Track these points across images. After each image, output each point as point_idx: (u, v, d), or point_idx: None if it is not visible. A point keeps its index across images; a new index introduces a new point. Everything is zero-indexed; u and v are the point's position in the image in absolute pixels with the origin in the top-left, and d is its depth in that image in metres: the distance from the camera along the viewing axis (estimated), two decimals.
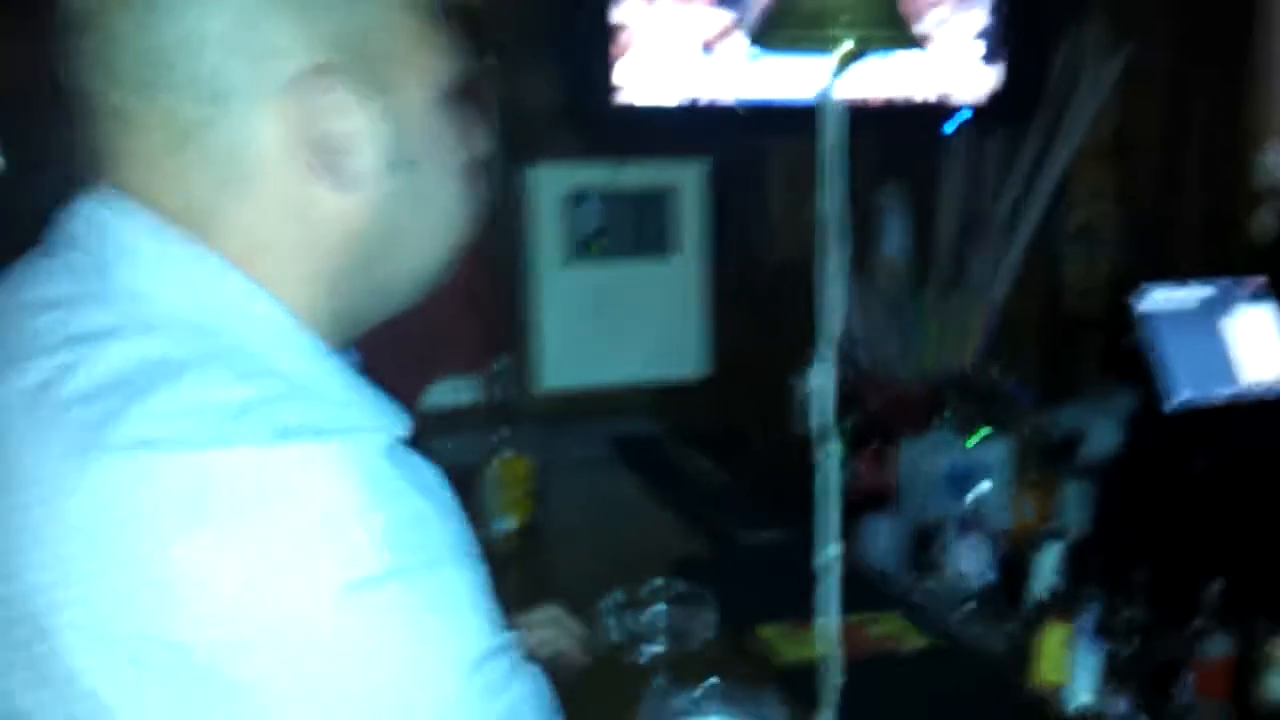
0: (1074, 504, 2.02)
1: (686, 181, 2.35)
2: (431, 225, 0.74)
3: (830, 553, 1.24)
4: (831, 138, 1.24)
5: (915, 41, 1.21)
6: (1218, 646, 1.25)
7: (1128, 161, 2.65)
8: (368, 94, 0.67)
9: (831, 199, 1.24)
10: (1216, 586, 1.28)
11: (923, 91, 2.34)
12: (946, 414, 2.19)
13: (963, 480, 2.06)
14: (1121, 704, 1.30)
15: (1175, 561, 1.58)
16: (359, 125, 0.67)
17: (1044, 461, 2.13)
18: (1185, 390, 2.33)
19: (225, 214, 0.66)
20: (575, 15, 2.10)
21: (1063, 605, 1.36)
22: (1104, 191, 2.61)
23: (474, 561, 0.65)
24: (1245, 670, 1.26)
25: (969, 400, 2.19)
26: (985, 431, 2.11)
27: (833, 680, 1.20)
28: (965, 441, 2.09)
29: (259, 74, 0.64)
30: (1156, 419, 2.32)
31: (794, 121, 2.24)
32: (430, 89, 0.71)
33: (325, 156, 0.66)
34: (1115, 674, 1.32)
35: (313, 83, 0.65)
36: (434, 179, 0.73)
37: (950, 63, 2.35)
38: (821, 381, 1.33)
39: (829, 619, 1.21)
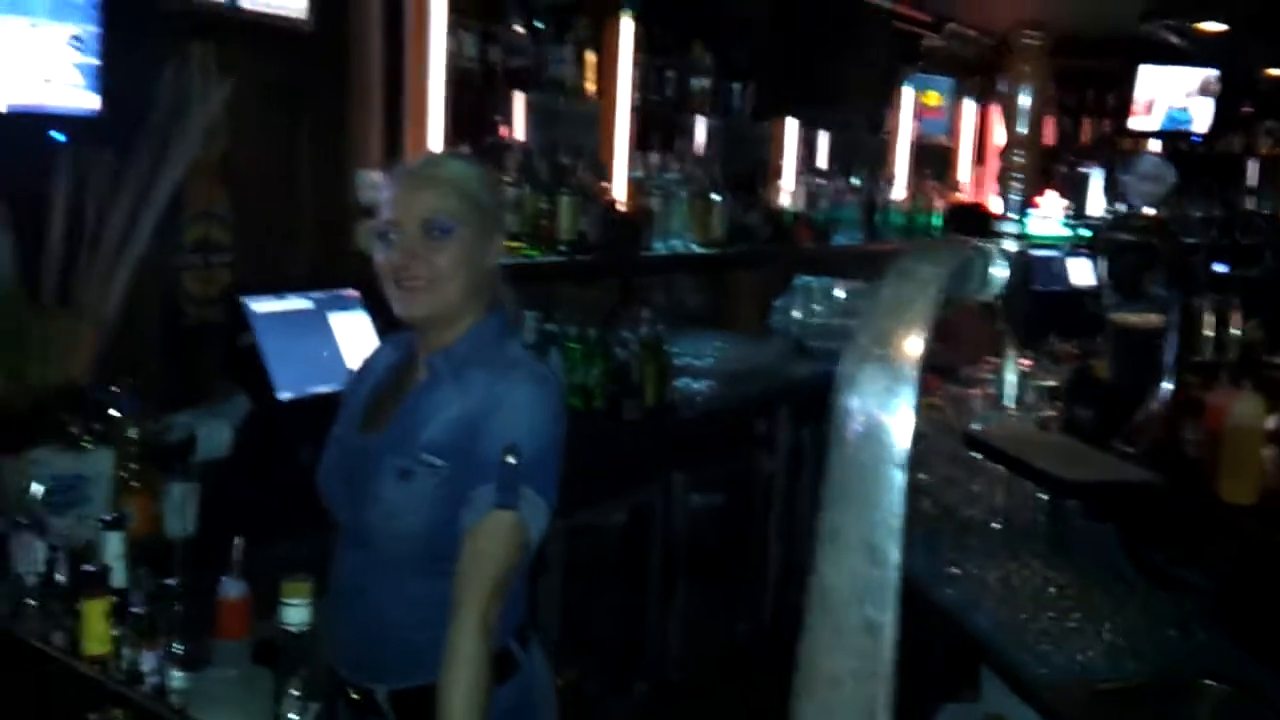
0: (179, 502, 2.15)
1: None
2: None
3: None
4: None
5: None
6: (233, 592, 1.44)
7: (241, 182, 2.86)
8: None
9: None
10: (238, 546, 1.47)
11: (25, 103, 2.31)
12: (52, 428, 2.20)
13: (67, 491, 2.09)
14: (150, 658, 1.44)
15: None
16: None
17: (153, 466, 2.23)
18: (290, 388, 2.59)
19: None
20: None
21: (105, 586, 1.46)
22: (216, 209, 2.79)
23: None
24: (263, 608, 1.47)
25: (74, 414, 2.22)
26: (89, 443, 2.15)
27: None
28: (70, 454, 2.12)
29: None
30: (266, 416, 2.55)
31: None
32: None
33: None
34: (144, 635, 1.46)
35: None
36: None
37: (53, 78, 2.36)
38: None
39: None
